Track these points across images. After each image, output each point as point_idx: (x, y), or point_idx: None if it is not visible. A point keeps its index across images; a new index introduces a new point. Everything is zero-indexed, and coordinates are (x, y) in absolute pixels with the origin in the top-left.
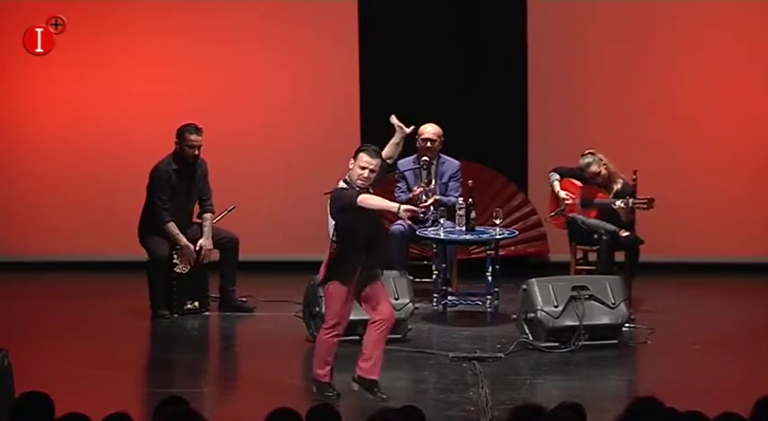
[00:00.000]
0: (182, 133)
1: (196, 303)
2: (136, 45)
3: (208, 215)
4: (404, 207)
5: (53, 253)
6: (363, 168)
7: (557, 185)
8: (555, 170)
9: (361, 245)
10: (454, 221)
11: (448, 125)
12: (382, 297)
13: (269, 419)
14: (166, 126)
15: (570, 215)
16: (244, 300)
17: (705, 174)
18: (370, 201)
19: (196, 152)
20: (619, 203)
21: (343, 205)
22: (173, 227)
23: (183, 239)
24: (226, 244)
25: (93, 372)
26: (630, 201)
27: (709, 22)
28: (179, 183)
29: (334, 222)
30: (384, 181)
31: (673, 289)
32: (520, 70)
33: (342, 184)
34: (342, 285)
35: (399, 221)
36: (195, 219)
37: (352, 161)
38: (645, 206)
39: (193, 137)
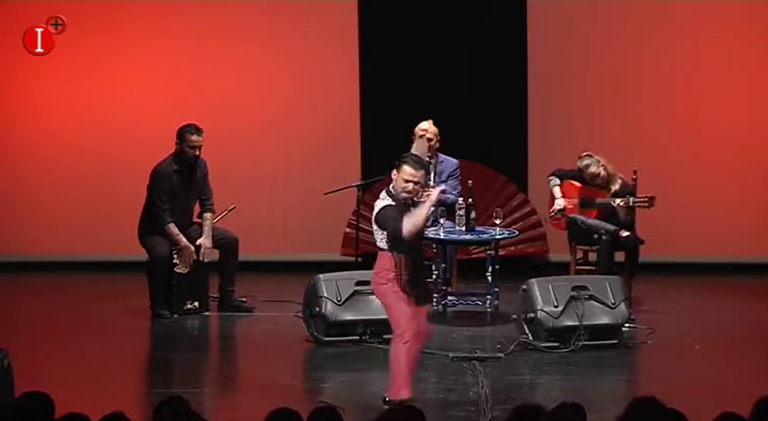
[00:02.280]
0: (182, 134)
1: (196, 303)
2: (136, 45)
3: (208, 214)
4: (436, 192)
5: (53, 253)
6: (408, 181)
7: (557, 191)
8: (554, 174)
9: (414, 250)
10: (454, 221)
11: (448, 125)
12: (424, 317)
13: (269, 419)
14: (166, 126)
15: (570, 216)
16: (243, 300)
17: (705, 174)
18: (414, 226)
19: (197, 152)
20: (619, 201)
21: (390, 235)
22: (173, 227)
23: (184, 240)
24: (225, 244)
25: (93, 372)
26: (631, 199)
27: (710, 21)
28: (179, 183)
29: (380, 231)
30: (385, 182)
31: (673, 289)
32: (520, 70)
33: (384, 195)
34: (404, 292)
35: None
36: (195, 219)
37: (395, 172)
38: (646, 204)
39: (194, 137)
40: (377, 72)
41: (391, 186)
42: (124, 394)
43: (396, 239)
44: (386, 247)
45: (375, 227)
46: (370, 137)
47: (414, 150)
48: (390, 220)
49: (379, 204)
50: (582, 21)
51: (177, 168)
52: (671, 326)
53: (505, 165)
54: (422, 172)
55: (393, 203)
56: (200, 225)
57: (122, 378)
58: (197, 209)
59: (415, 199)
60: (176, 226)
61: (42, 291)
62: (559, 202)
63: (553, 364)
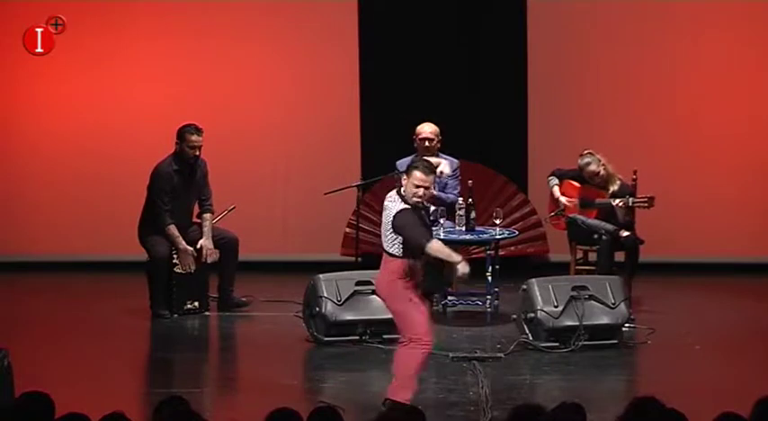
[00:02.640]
0: (182, 134)
1: (196, 303)
2: (136, 45)
3: (207, 215)
4: (463, 266)
5: (53, 253)
6: (418, 187)
7: (556, 190)
8: (553, 174)
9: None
10: (454, 221)
11: (448, 125)
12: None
13: (269, 419)
14: (166, 126)
15: (570, 216)
16: (244, 299)
17: (705, 174)
18: (438, 253)
19: (197, 152)
20: (618, 202)
21: (410, 243)
22: (174, 229)
23: (183, 243)
24: (225, 244)
25: (93, 372)
26: (631, 199)
27: (710, 22)
28: (180, 183)
29: (394, 236)
30: (385, 182)
31: (673, 289)
32: (520, 70)
33: (395, 198)
34: (417, 295)
35: None
36: (195, 219)
37: (405, 177)
38: (645, 204)
39: (194, 137)
40: (377, 72)
41: (402, 190)
42: (124, 394)
43: (415, 249)
44: (398, 253)
45: (389, 231)
46: (370, 137)
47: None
48: (415, 228)
49: (393, 207)
50: (582, 21)
51: (177, 168)
52: (671, 326)
53: (505, 165)
54: (432, 177)
55: (408, 206)
56: (200, 225)
57: (122, 378)
58: (197, 209)
59: (425, 203)
60: (176, 226)
61: (42, 291)
62: (562, 200)
63: (553, 364)
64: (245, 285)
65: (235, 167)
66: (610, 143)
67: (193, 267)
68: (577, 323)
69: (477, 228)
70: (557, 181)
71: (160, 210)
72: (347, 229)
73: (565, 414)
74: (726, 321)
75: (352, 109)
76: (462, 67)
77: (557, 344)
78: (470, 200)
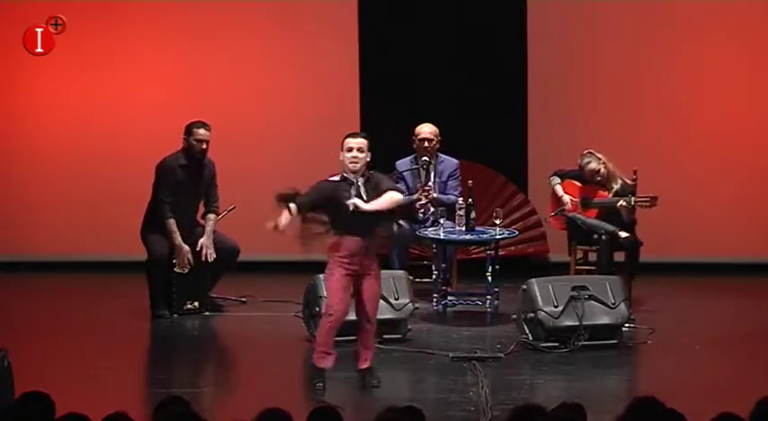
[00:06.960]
0: (189, 128)
1: (196, 303)
2: (136, 45)
3: (212, 215)
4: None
5: (53, 253)
6: (350, 149)
7: (559, 189)
8: (555, 173)
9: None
10: (454, 221)
11: (448, 125)
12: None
13: (258, 419)
14: (166, 125)
15: (570, 215)
16: (231, 299)
17: (705, 174)
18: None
19: (204, 146)
20: (621, 202)
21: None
22: (172, 224)
23: (179, 239)
24: (225, 251)
25: (93, 372)
26: (633, 199)
27: (709, 22)
28: (185, 179)
29: None
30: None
31: (673, 289)
32: (520, 70)
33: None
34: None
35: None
36: (200, 221)
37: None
38: (648, 204)
39: (201, 131)
40: (377, 72)
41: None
42: (124, 394)
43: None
44: None
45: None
46: (369, 137)
47: None
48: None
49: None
50: (582, 20)
51: (184, 163)
52: (671, 326)
53: (505, 165)
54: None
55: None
56: (204, 227)
57: (122, 378)
58: (201, 209)
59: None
60: (179, 224)
61: (42, 291)
62: (566, 198)
63: (553, 364)
64: (246, 285)
65: (235, 167)
66: (610, 143)
67: (186, 268)
68: (577, 323)
69: (477, 228)
70: (558, 180)
71: (161, 203)
72: None
73: (565, 414)
74: (726, 321)
75: (353, 109)
76: (462, 67)
77: (557, 344)
78: (470, 200)
